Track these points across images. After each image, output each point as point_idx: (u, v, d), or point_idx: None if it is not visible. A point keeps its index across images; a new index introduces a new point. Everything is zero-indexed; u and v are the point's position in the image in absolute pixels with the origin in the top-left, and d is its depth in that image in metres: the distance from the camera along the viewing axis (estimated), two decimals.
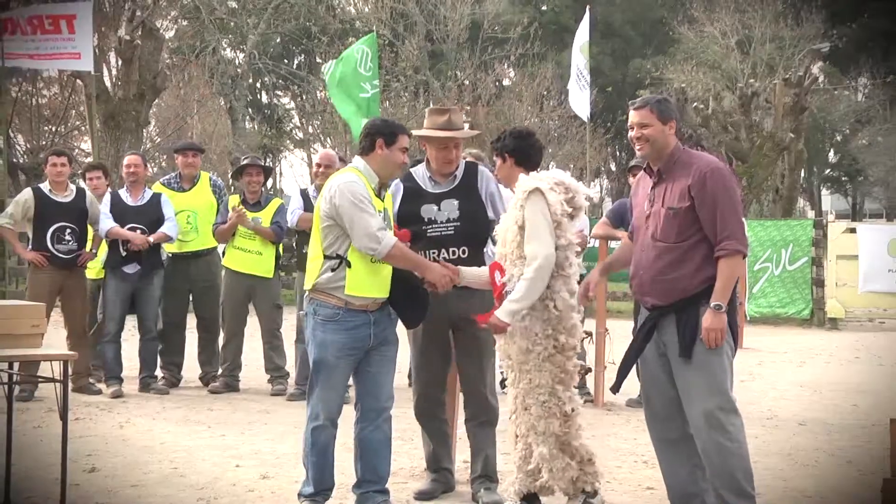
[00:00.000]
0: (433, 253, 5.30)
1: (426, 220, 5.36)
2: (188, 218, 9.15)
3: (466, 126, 5.49)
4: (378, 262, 4.93)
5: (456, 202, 5.36)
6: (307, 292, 5.07)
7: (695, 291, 4.64)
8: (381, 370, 5.10)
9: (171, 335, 9.23)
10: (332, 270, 4.92)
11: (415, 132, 5.61)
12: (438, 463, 5.59)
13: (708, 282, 4.62)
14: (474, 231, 5.35)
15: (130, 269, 8.76)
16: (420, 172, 5.52)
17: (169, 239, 8.91)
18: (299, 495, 5.14)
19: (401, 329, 5.21)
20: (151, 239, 8.72)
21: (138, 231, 8.73)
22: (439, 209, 5.36)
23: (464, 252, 5.32)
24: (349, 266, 4.90)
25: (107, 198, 8.90)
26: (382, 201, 5.06)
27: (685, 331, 4.65)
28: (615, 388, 5.15)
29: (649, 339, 4.80)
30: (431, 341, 5.44)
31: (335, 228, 4.91)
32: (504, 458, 5.75)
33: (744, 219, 5.04)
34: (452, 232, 5.33)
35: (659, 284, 4.73)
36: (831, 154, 47.31)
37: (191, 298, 9.37)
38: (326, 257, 4.94)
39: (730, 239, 4.59)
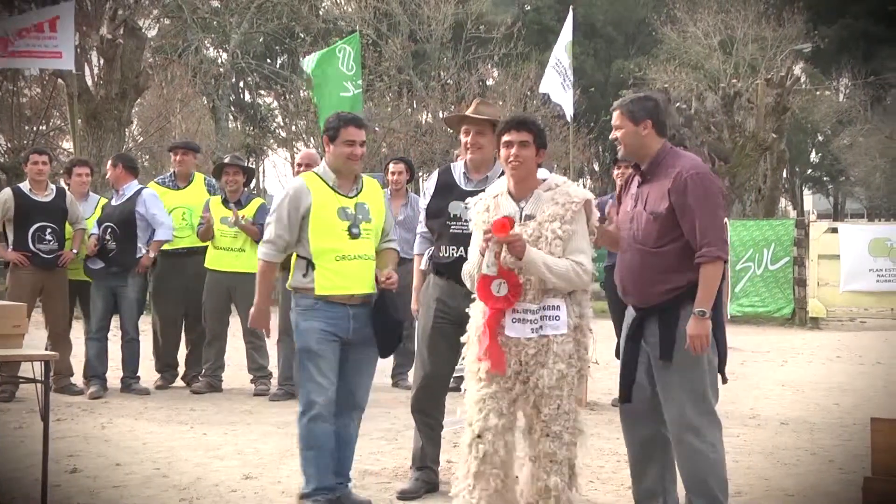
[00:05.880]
0: (452, 250, 5.31)
1: (451, 216, 5.36)
2: (183, 214, 9.15)
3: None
4: (343, 261, 5.00)
5: None
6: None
7: (676, 294, 4.59)
8: (360, 368, 5.13)
9: (168, 334, 9.20)
10: (303, 273, 5.04)
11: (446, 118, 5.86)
12: (424, 461, 5.59)
13: (689, 285, 4.56)
14: None
15: (93, 263, 8.75)
16: (458, 168, 5.53)
17: (162, 242, 8.94)
18: (300, 496, 5.04)
19: None
20: (152, 254, 8.82)
21: (109, 230, 8.72)
22: (466, 206, 5.27)
23: None
24: (314, 268, 5.00)
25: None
26: (352, 197, 5.10)
27: (666, 333, 4.59)
28: (624, 399, 4.83)
29: (638, 340, 4.74)
30: (441, 338, 5.40)
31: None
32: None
33: (727, 220, 4.92)
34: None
35: (640, 287, 4.69)
36: (813, 154, 47.64)
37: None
38: (299, 257, 5.10)
39: (710, 245, 4.50)
